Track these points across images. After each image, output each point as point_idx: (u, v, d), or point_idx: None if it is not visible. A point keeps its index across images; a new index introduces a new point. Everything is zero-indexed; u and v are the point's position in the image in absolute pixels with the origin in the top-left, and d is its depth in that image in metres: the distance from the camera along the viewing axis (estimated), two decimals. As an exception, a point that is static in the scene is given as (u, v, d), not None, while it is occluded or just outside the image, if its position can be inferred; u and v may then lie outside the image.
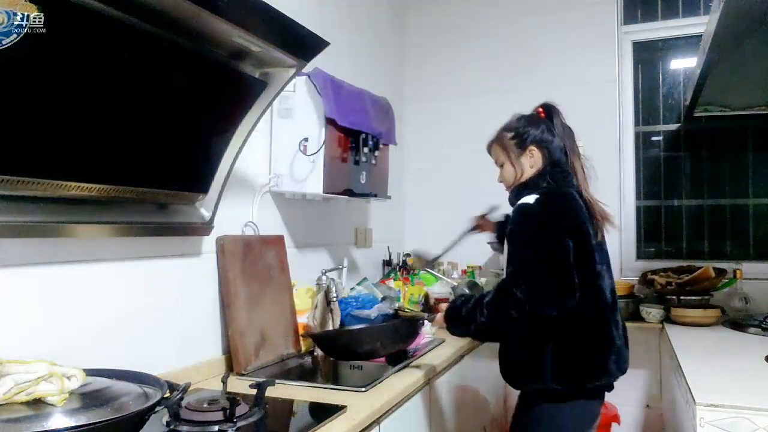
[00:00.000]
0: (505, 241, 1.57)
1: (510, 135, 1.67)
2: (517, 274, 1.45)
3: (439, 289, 2.55)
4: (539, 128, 1.64)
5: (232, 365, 1.71)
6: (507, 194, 1.69)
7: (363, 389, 1.51)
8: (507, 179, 1.68)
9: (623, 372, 1.58)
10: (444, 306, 1.67)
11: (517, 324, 1.43)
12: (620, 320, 1.62)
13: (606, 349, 1.52)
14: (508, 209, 1.65)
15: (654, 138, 2.98)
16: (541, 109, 1.70)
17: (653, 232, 2.96)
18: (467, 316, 1.52)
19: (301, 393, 1.51)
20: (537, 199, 1.50)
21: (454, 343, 2.06)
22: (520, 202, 1.53)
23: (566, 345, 1.48)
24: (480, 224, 2.07)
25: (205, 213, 1.64)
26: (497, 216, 2.04)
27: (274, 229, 2.04)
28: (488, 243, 2.25)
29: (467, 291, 2.29)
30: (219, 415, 1.20)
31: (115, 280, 1.43)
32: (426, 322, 1.81)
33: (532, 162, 1.64)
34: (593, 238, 1.51)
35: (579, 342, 1.49)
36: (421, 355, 1.91)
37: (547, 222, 1.47)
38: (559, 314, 1.41)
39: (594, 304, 1.51)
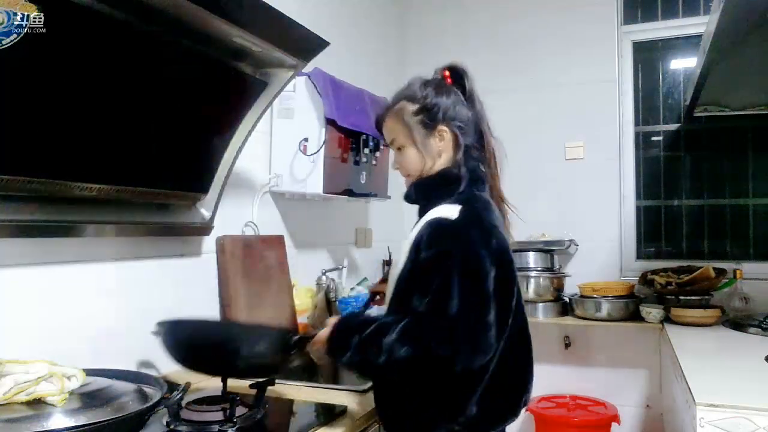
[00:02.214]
0: (408, 257, 1.18)
1: (414, 108, 1.25)
2: (440, 311, 1.07)
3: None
4: (450, 99, 1.25)
5: (232, 365, 1.70)
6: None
7: (363, 389, 1.51)
8: (409, 168, 1.28)
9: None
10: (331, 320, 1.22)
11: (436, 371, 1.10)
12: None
13: (521, 391, 1.26)
14: None
15: (654, 138, 2.98)
16: (447, 72, 1.30)
17: (653, 232, 2.96)
18: (368, 343, 1.11)
19: (301, 393, 1.50)
20: (461, 214, 1.14)
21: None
22: (438, 216, 1.15)
23: (491, 385, 1.17)
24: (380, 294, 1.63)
25: (205, 213, 1.64)
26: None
27: (274, 229, 2.04)
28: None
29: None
30: (219, 415, 1.20)
31: (115, 280, 1.43)
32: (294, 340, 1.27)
33: (441, 146, 1.25)
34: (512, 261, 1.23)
35: (503, 381, 1.20)
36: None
37: (476, 248, 1.11)
38: (470, 365, 1.09)
39: (514, 341, 1.22)
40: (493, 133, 1.30)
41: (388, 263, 2.86)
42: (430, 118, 1.24)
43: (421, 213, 1.26)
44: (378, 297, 1.67)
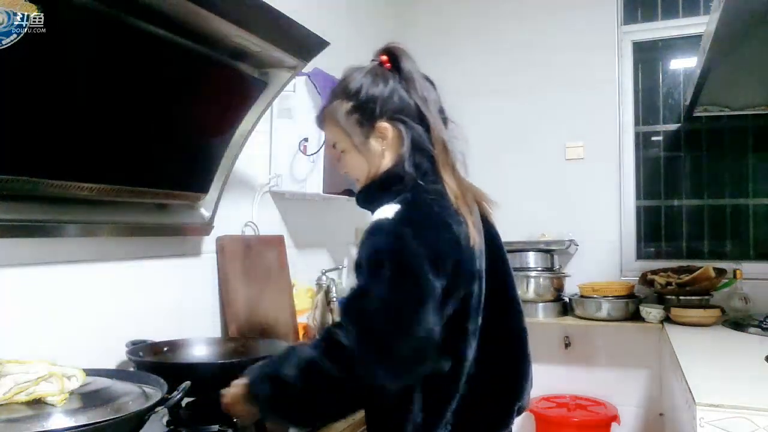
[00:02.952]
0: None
1: (349, 105, 1.12)
2: (352, 320, 0.95)
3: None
4: (387, 88, 1.10)
5: (232, 365, 1.71)
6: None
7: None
8: (355, 173, 1.17)
9: None
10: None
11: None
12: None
13: (511, 399, 1.15)
14: None
15: (654, 138, 2.98)
16: (384, 57, 1.14)
17: (653, 232, 2.96)
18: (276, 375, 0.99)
19: (301, 393, 1.50)
20: (397, 214, 1.00)
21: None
22: (375, 218, 1.03)
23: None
24: None
25: (205, 213, 1.64)
26: None
27: (274, 229, 2.04)
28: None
29: None
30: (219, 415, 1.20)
31: (115, 280, 1.43)
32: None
33: (384, 145, 1.11)
34: (472, 263, 1.05)
35: (486, 390, 1.09)
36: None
37: (408, 246, 0.96)
38: (398, 388, 0.97)
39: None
40: (447, 115, 1.17)
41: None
42: (366, 116, 1.10)
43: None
44: None
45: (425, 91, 1.12)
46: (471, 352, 1.06)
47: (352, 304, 0.98)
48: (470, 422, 1.07)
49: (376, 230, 1.01)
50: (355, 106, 1.11)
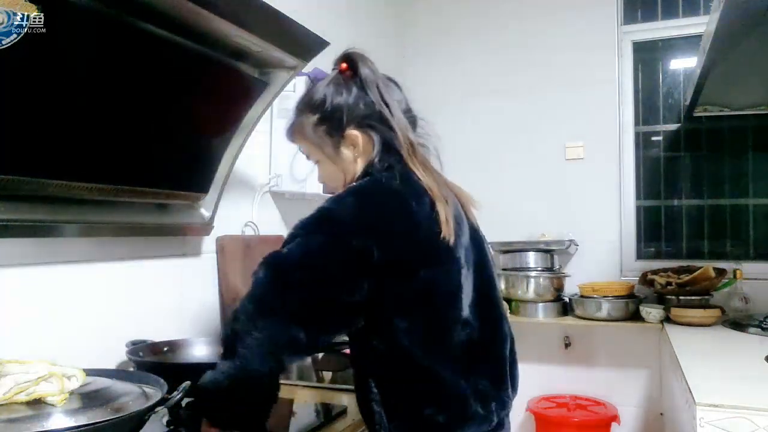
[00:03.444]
0: None
1: (315, 118, 1.13)
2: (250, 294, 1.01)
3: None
4: (351, 96, 1.12)
5: (232, 365, 1.70)
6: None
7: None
8: (331, 183, 1.20)
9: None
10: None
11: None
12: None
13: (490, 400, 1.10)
14: None
15: (654, 138, 2.97)
16: (344, 65, 1.14)
17: (653, 232, 2.96)
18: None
19: (301, 393, 1.50)
20: (343, 200, 1.04)
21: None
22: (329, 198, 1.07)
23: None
24: None
25: (205, 213, 1.64)
26: None
27: (274, 229, 2.04)
28: None
29: None
30: (219, 415, 1.20)
31: (115, 280, 1.43)
32: None
33: (356, 152, 1.13)
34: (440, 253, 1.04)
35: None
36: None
37: (339, 214, 1.01)
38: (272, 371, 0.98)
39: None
40: (415, 113, 1.17)
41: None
42: (334, 126, 1.12)
43: None
44: None
45: (387, 93, 1.12)
46: (458, 336, 1.05)
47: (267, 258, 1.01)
48: (447, 416, 1.04)
49: (311, 215, 1.03)
50: (321, 118, 1.13)
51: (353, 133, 1.11)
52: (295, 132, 1.19)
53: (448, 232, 1.03)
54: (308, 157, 1.20)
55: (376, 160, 1.09)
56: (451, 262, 1.07)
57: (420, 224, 1.02)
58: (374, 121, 1.11)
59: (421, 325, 1.03)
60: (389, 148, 1.10)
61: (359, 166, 1.13)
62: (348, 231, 0.98)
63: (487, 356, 1.12)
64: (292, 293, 0.97)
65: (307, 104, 1.15)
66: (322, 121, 1.13)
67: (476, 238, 1.17)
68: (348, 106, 1.11)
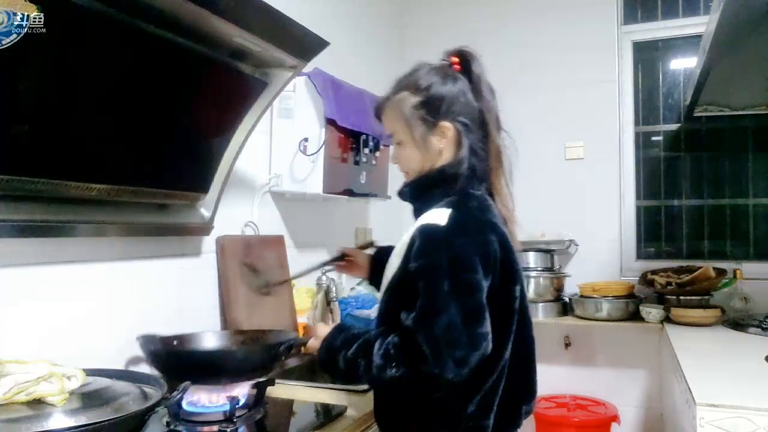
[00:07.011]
0: (403, 268, 1.10)
1: (416, 99, 1.13)
2: (426, 328, 1.00)
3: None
4: (457, 90, 1.13)
5: (232, 365, 1.70)
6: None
7: (363, 390, 1.51)
8: (407, 166, 1.20)
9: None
10: (322, 329, 1.17)
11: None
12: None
13: (522, 400, 1.19)
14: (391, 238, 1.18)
15: (654, 138, 2.98)
16: (455, 58, 1.17)
17: (653, 232, 2.96)
18: (353, 363, 1.07)
19: (301, 393, 1.51)
20: (451, 219, 1.05)
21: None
22: (427, 222, 1.07)
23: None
24: (349, 260, 1.49)
25: (205, 213, 1.64)
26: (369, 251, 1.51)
27: (274, 229, 2.04)
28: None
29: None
30: (219, 416, 1.20)
31: (115, 280, 1.43)
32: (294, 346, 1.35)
33: (443, 144, 1.14)
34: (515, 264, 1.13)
35: (505, 391, 1.12)
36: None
37: (466, 256, 1.03)
38: (459, 379, 1.00)
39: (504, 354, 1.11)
40: (503, 125, 1.20)
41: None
42: (432, 113, 1.12)
43: (416, 214, 1.18)
44: (344, 262, 1.50)
45: (493, 99, 1.16)
46: (507, 352, 1.12)
47: (419, 325, 1.00)
48: (491, 418, 1.11)
49: (431, 240, 1.05)
50: (423, 102, 1.13)
51: (447, 124, 1.12)
52: (389, 107, 1.18)
53: (517, 246, 1.15)
54: (392, 135, 1.20)
55: (465, 158, 1.12)
56: (520, 278, 1.16)
57: (508, 249, 1.12)
58: (469, 119, 1.13)
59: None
60: (475, 150, 1.13)
61: (441, 160, 1.15)
62: (474, 276, 1.04)
63: (529, 367, 1.19)
64: None
65: (412, 84, 1.15)
66: (422, 105, 1.13)
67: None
68: (450, 98, 1.12)
